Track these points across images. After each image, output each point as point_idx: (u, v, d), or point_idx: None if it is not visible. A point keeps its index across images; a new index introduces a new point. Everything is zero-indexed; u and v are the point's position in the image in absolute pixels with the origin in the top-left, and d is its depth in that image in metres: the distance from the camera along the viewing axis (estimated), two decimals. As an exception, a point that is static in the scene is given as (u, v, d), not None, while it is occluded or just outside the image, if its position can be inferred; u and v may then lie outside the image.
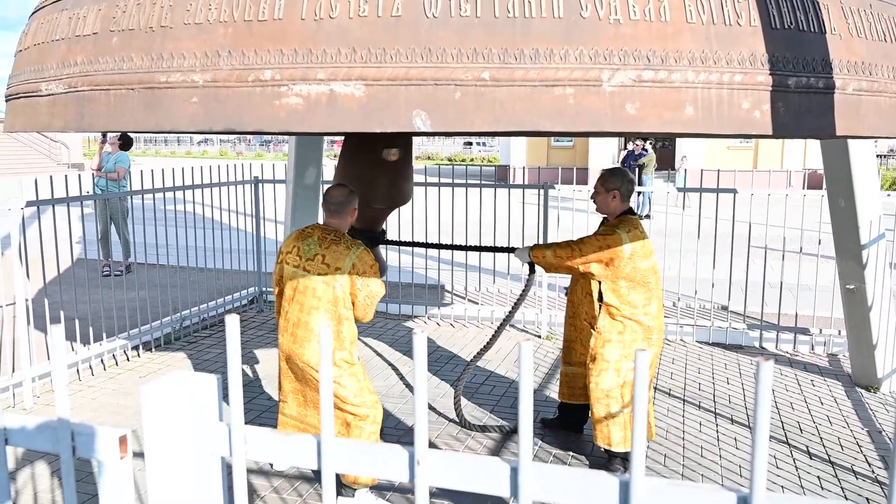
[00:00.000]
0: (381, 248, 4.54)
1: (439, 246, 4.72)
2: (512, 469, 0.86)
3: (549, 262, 3.83)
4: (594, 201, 3.91)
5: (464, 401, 4.87)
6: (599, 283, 3.76)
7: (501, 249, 4.39)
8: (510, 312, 4.21)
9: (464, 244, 4.71)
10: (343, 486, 3.47)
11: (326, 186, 7.28)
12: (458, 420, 4.36)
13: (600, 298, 3.78)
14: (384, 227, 4.48)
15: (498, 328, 4.24)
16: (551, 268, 3.88)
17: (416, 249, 8.34)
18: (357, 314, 3.36)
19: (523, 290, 4.21)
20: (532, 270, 4.04)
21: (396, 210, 4.56)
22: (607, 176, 3.86)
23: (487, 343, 4.30)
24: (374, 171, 3.96)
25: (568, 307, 4.20)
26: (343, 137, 4.26)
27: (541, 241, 6.61)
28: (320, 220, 7.07)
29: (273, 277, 3.57)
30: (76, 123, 1.83)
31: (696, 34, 1.49)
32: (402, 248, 5.74)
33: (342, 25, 1.54)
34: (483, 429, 4.35)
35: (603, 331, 3.74)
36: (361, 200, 3.85)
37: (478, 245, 4.66)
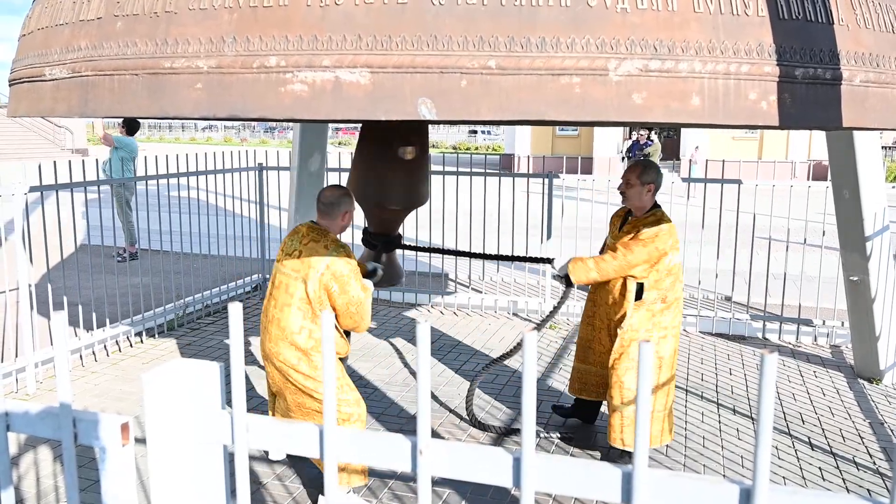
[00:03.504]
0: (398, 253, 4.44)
1: (470, 255, 4.41)
2: (514, 459, 0.86)
3: (592, 279, 3.69)
4: (624, 194, 3.73)
5: (465, 389, 4.88)
6: (638, 282, 3.65)
7: (538, 260, 4.18)
8: (539, 324, 4.07)
9: (496, 253, 4.46)
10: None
11: (331, 174, 7.28)
12: (468, 420, 4.24)
13: (638, 297, 3.64)
14: (400, 231, 4.30)
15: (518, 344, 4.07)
16: (591, 282, 3.75)
17: (421, 237, 8.32)
18: (343, 323, 3.20)
19: (557, 304, 4.00)
20: (569, 284, 3.75)
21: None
22: (644, 169, 3.69)
23: (508, 352, 4.09)
24: (390, 170, 3.77)
25: (588, 306, 4.04)
26: (358, 134, 4.09)
27: (545, 231, 6.60)
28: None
29: None
30: (80, 109, 1.83)
31: (704, 24, 1.48)
32: (416, 241, 5.65)
33: (348, 12, 1.53)
34: (492, 429, 4.22)
35: (630, 329, 3.66)
36: (376, 202, 3.81)
37: (512, 255, 4.42)
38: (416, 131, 3.84)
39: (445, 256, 7.70)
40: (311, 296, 3.09)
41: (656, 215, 3.69)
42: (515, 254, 5.76)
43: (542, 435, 4.14)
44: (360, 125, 3.94)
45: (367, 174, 3.86)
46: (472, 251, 4.51)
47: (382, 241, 4.02)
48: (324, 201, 3.23)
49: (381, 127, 3.73)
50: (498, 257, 4.46)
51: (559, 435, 4.14)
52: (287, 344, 3.14)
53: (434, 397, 4.75)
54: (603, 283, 3.83)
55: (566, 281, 3.76)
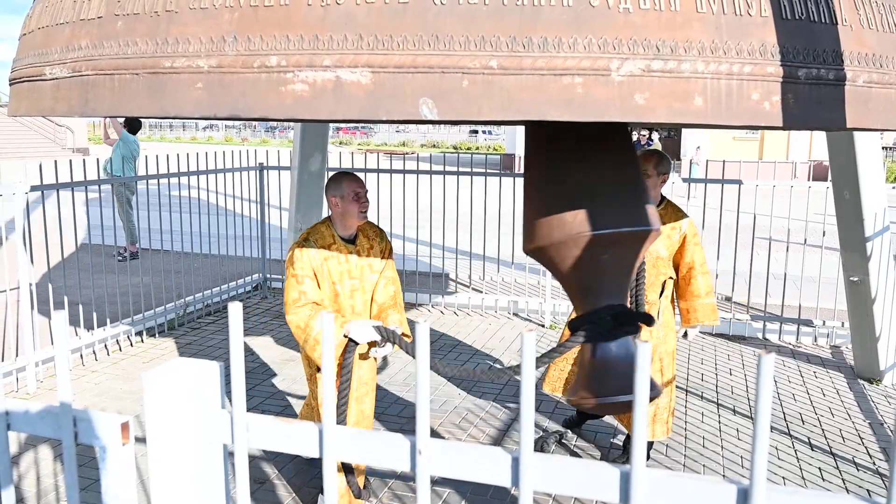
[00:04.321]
0: None
1: None
2: (513, 459, 0.86)
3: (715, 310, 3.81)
4: None
5: (468, 386, 4.88)
6: (666, 279, 3.70)
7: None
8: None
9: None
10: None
11: (330, 174, 7.28)
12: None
13: (662, 293, 3.68)
14: (636, 299, 3.13)
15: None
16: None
17: (422, 237, 8.32)
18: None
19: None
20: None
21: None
22: (659, 159, 3.56)
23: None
24: (598, 172, 2.34)
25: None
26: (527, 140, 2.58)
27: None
28: (324, 208, 7.07)
29: None
30: (80, 108, 1.82)
31: (706, 24, 1.47)
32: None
33: (349, 12, 1.53)
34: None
35: (667, 326, 3.71)
36: (576, 224, 2.24)
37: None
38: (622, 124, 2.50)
39: (447, 257, 7.69)
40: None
41: (673, 205, 3.73)
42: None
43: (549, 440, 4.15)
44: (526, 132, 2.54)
45: (564, 189, 2.33)
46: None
47: (603, 319, 2.27)
48: None
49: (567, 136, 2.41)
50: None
51: (559, 435, 4.14)
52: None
53: (434, 397, 4.75)
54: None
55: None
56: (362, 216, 3.08)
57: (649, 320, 2.38)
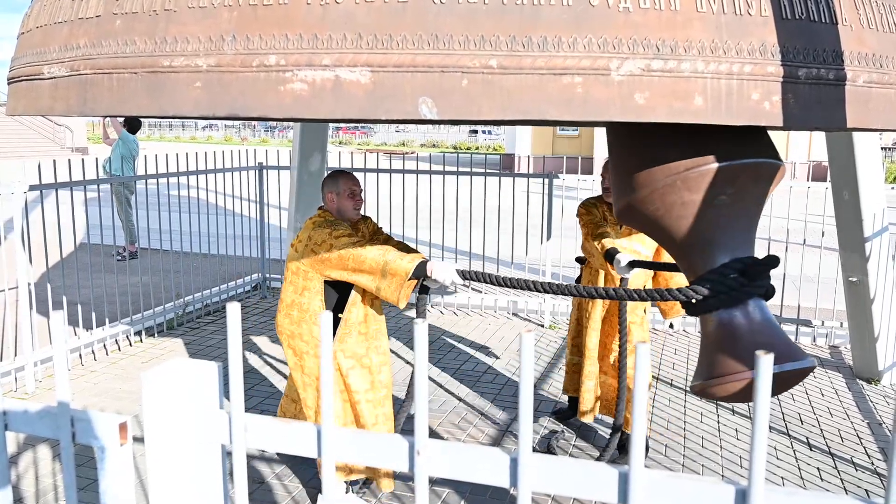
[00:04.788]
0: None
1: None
2: (512, 460, 0.85)
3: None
4: (607, 189, 3.92)
5: (467, 386, 4.88)
6: (647, 279, 3.87)
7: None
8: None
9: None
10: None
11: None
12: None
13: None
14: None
15: None
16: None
17: (421, 237, 8.31)
18: (349, 279, 3.07)
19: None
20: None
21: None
22: None
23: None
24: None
25: (582, 300, 4.13)
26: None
27: (545, 231, 6.60)
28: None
29: None
30: (78, 107, 1.82)
31: (707, 23, 1.47)
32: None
33: (348, 11, 1.52)
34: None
35: (632, 310, 3.84)
36: (683, 162, 1.80)
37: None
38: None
39: (446, 256, 7.69)
40: (302, 266, 3.14)
41: None
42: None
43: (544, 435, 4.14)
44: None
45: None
46: None
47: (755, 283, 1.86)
48: None
49: None
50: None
51: (557, 433, 4.13)
52: (283, 315, 3.25)
53: (432, 398, 4.75)
54: (595, 270, 3.98)
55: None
56: (356, 213, 3.21)
57: (775, 262, 1.85)
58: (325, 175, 3.37)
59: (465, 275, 2.77)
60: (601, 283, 3.90)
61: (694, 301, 1.86)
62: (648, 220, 1.92)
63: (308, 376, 3.24)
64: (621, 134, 2.01)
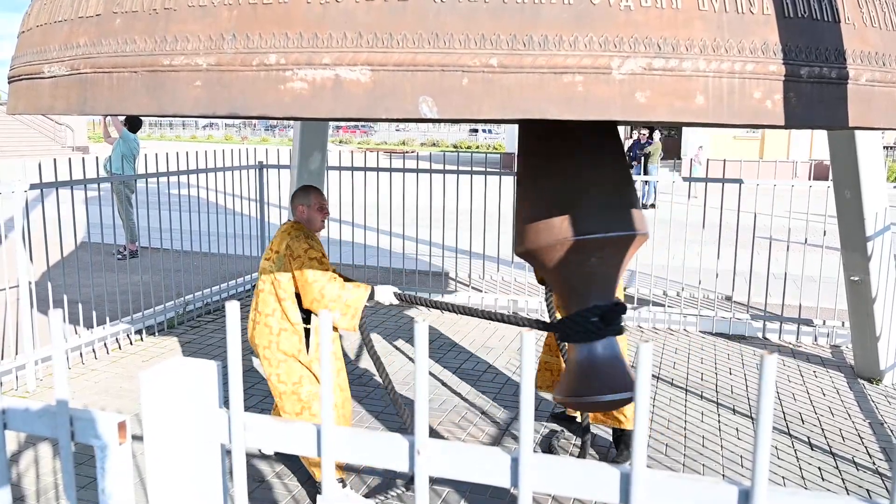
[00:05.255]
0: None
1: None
2: (512, 459, 0.85)
3: None
4: None
5: (468, 385, 4.88)
6: None
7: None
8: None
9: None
10: (318, 483, 3.47)
11: (331, 172, 7.26)
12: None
13: None
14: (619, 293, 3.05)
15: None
16: None
17: (421, 236, 8.31)
18: (307, 304, 3.24)
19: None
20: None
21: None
22: None
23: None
24: (588, 176, 2.39)
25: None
26: (518, 146, 2.71)
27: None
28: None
29: None
30: (78, 106, 1.82)
31: (708, 22, 1.47)
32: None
33: (348, 9, 1.52)
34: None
35: None
36: (562, 229, 2.33)
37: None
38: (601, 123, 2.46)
39: (446, 256, 7.69)
40: (277, 278, 3.31)
41: None
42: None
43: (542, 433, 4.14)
44: (518, 138, 2.66)
45: (551, 193, 2.40)
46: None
47: (600, 313, 2.37)
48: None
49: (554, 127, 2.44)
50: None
51: (558, 433, 4.13)
52: (262, 326, 3.35)
53: (433, 397, 4.75)
54: None
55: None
56: (322, 225, 3.50)
57: (624, 309, 2.47)
58: (296, 190, 3.59)
59: (401, 297, 3.22)
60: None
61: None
62: (539, 264, 2.45)
63: (285, 384, 3.32)
64: (527, 188, 2.51)
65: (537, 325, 2.93)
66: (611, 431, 4.07)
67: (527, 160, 2.59)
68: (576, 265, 2.35)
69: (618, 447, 3.92)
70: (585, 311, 2.36)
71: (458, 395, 4.78)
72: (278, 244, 3.33)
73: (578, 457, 3.84)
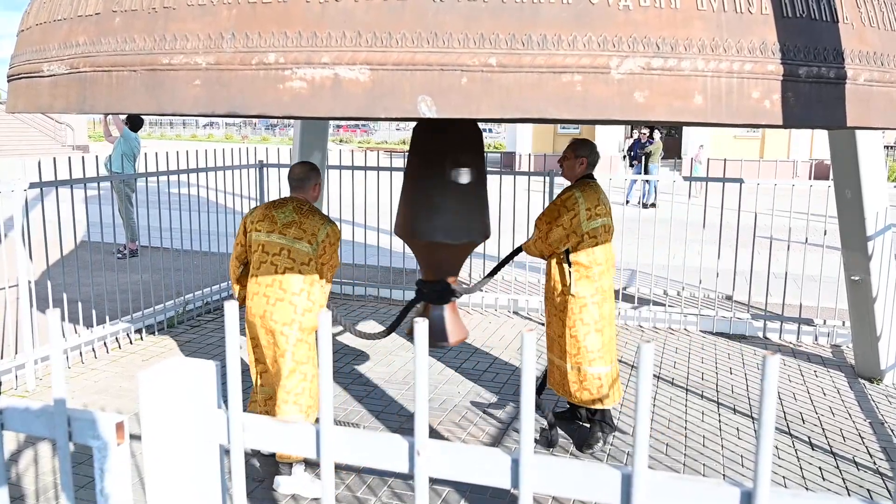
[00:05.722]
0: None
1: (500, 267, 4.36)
2: (513, 460, 0.85)
3: (532, 249, 4.08)
4: (561, 166, 4.10)
5: (468, 384, 4.88)
6: (567, 249, 3.93)
7: (512, 256, 4.31)
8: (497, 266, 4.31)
9: (507, 257, 4.33)
10: (279, 464, 3.50)
11: (331, 171, 7.25)
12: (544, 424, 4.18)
13: (567, 261, 3.90)
14: (459, 281, 3.89)
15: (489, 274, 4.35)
16: (537, 252, 4.06)
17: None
18: (326, 278, 3.54)
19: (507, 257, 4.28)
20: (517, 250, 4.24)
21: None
22: (579, 144, 4.06)
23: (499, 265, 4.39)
24: (441, 197, 3.22)
25: (545, 292, 4.18)
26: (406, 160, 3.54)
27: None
28: (324, 206, 7.05)
29: (235, 248, 3.64)
30: (77, 105, 1.82)
31: (707, 21, 1.47)
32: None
33: (347, 8, 1.52)
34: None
35: (578, 294, 3.87)
36: (429, 238, 3.28)
37: (509, 256, 4.35)
38: (469, 147, 3.28)
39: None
40: (312, 260, 3.41)
41: (577, 182, 3.99)
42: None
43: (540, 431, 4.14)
44: (409, 149, 3.38)
45: (416, 205, 3.28)
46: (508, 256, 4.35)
47: (435, 290, 3.52)
48: (295, 177, 3.53)
49: (429, 149, 3.25)
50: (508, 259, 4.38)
51: (554, 426, 4.13)
52: (286, 304, 3.38)
53: (433, 396, 4.75)
54: (549, 263, 4.10)
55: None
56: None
57: (443, 284, 3.54)
58: (310, 167, 3.56)
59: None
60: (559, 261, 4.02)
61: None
62: (406, 243, 3.46)
63: (296, 362, 3.42)
64: (406, 186, 3.35)
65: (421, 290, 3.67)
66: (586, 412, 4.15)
67: (411, 159, 3.36)
68: (427, 254, 3.42)
69: (591, 421, 4.06)
70: (438, 282, 3.50)
71: (458, 394, 4.77)
72: (314, 227, 3.39)
73: (544, 442, 4.04)
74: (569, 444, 4.09)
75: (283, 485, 3.48)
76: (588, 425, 4.20)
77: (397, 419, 4.38)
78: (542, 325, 6.45)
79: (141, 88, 1.69)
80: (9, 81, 2.21)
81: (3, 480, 1.02)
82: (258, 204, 7.45)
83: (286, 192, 8.71)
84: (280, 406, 3.42)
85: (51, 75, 1.89)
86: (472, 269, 8.11)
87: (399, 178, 7.49)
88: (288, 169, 7.32)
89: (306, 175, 3.51)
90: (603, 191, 4.00)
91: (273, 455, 3.66)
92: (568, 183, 4.09)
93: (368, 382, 4.98)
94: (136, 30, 1.69)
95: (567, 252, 3.89)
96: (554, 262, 3.99)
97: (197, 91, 1.62)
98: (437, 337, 3.56)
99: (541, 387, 4.30)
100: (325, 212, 6.81)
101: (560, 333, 3.98)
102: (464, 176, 3.21)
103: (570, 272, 3.88)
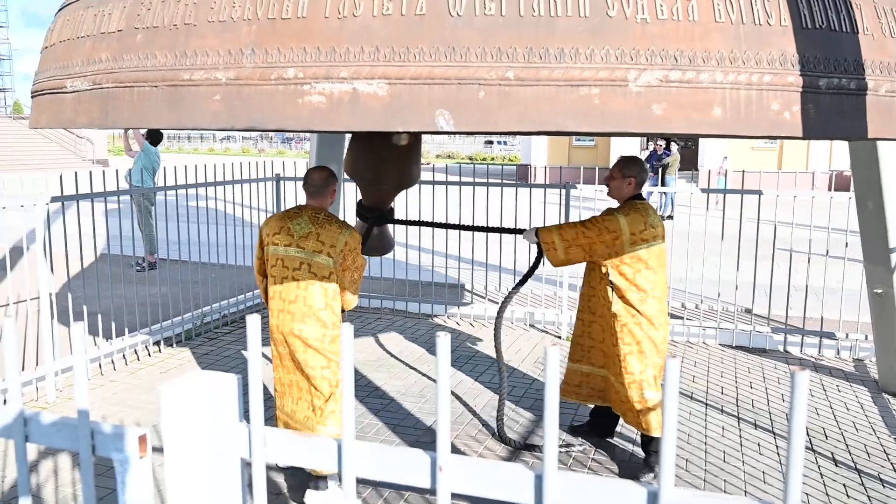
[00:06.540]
0: (389, 226, 4.85)
1: (446, 226, 4.61)
2: (536, 477, 0.84)
3: (555, 243, 3.80)
4: (608, 185, 3.93)
5: (485, 398, 4.85)
6: (607, 267, 3.78)
7: (509, 231, 4.33)
8: (515, 287, 4.20)
9: (472, 225, 4.69)
10: (312, 478, 3.47)
11: (347, 185, 7.27)
12: (499, 436, 4.27)
13: (609, 283, 3.79)
14: (392, 206, 4.71)
15: (504, 300, 4.25)
16: (558, 252, 3.80)
17: (436, 248, 8.31)
18: (347, 293, 3.49)
19: (531, 268, 4.14)
20: (540, 252, 3.97)
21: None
22: (626, 163, 3.88)
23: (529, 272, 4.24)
24: (385, 155, 4.13)
25: (581, 300, 4.12)
26: None
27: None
28: (340, 216, 7.09)
29: (255, 263, 3.63)
30: (100, 120, 1.84)
31: (725, 34, 1.46)
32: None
33: (365, 24, 1.53)
34: (512, 444, 4.21)
35: (619, 315, 3.77)
36: (371, 182, 4.30)
37: (485, 226, 4.68)
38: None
39: (462, 268, 7.68)
40: (333, 271, 3.38)
41: (624, 204, 3.81)
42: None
43: (561, 450, 4.11)
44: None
45: (363, 156, 4.24)
46: (457, 224, 4.65)
47: (375, 215, 4.42)
48: (315, 184, 3.47)
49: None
50: (473, 228, 4.70)
51: (578, 448, 4.10)
52: (313, 320, 3.35)
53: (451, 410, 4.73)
54: (591, 274, 3.98)
55: (538, 249, 3.95)
56: None
57: (386, 217, 4.55)
58: (328, 172, 3.54)
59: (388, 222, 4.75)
60: (602, 276, 3.86)
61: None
62: (358, 182, 4.48)
63: (331, 381, 3.38)
64: (353, 143, 4.39)
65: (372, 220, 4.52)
66: (639, 438, 4.06)
67: (358, 135, 4.17)
68: (371, 192, 4.42)
69: (647, 452, 3.91)
70: (376, 210, 4.48)
71: (475, 408, 4.76)
72: (332, 238, 3.35)
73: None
74: (587, 458, 4.06)
75: (311, 498, 3.45)
76: (608, 438, 4.17)
77: (414, 432, 4.36)
78: (558, 337, 6.43)
79: (162, 104, 1.71)
80: (33, 97, 2.25)
81: (26, 491, 1.03)
82: (275, 217, 7.50)
83: (302, 201, 8.75)
84: (325, 420, 3.39)
85: (74, 91, 1.91)
86: (487, 281, 8.11)
87: (413, 190, 7.51)
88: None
89: (325, 181, 3.46)
90: (654, 211, 3.80)
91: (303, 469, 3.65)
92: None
93: (384, 396, 4.97)
94: (157, 46, 1.71)
95: (607, 274, 3.78)
96: (614, 279, 3.80)
97: (217, 106, 1.64)
98: (387, 247, 4.76)
99: (609, 429, 4.28)
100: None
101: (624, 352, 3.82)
102: (403, 142, 4.09)
103: (611, 290, 3.78)
